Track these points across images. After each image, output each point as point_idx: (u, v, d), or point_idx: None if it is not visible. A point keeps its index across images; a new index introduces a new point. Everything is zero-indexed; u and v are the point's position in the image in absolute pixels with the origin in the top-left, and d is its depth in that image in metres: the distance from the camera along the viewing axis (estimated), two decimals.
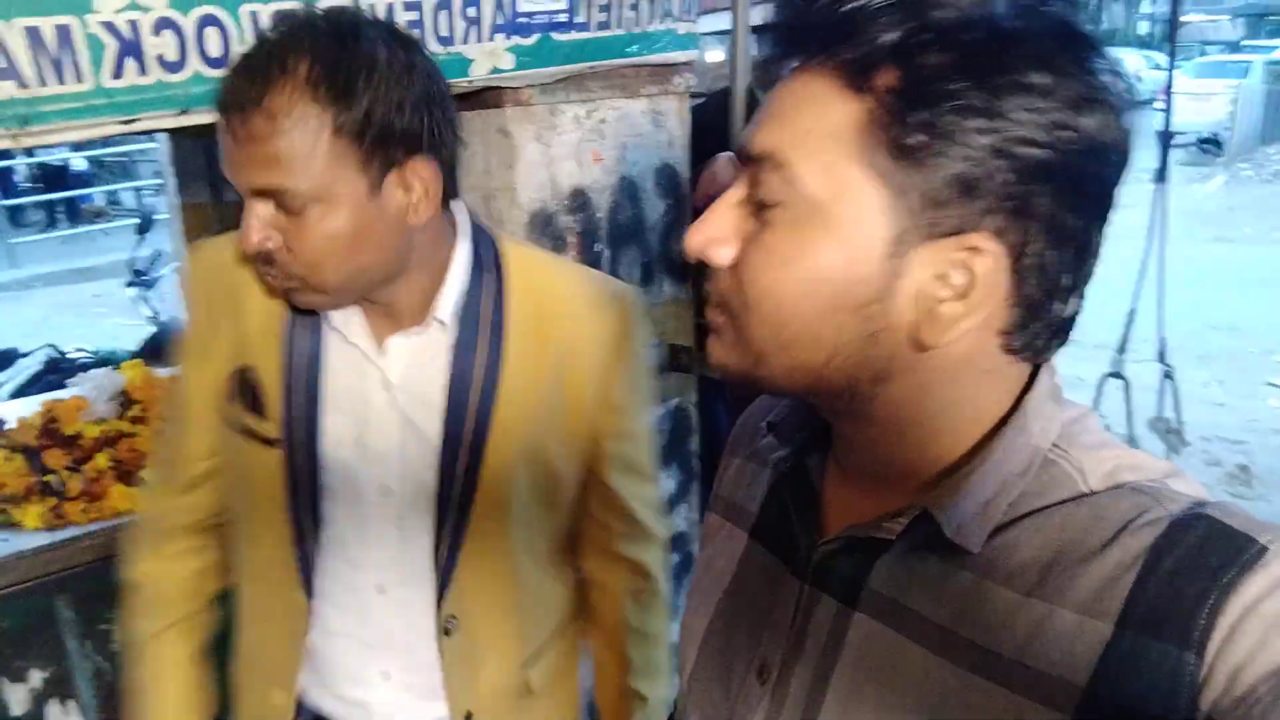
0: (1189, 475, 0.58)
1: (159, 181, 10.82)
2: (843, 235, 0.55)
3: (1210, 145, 13.97)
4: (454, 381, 1.03)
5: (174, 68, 1.17)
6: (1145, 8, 22.92)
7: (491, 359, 1.04)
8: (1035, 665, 0.53)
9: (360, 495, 1.07)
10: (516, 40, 1.45)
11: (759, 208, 0.58)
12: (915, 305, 0.55)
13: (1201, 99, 13.49)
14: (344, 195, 0.90)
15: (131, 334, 4.32)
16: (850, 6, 0.53)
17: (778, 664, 0.65)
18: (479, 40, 1.40)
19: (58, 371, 3.18)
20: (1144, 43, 23.53)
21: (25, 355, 3.40)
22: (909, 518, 0.59)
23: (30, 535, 1.71)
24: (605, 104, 1.65)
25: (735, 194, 0.60)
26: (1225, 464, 4.59)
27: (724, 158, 1.86)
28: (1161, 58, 18.77)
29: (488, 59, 1.43)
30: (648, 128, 1.73)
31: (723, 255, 0.60)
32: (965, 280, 0.54)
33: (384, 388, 1.05)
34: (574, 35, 1.52)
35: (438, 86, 0.95)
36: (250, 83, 0.87)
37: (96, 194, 12.20)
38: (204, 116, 1.21)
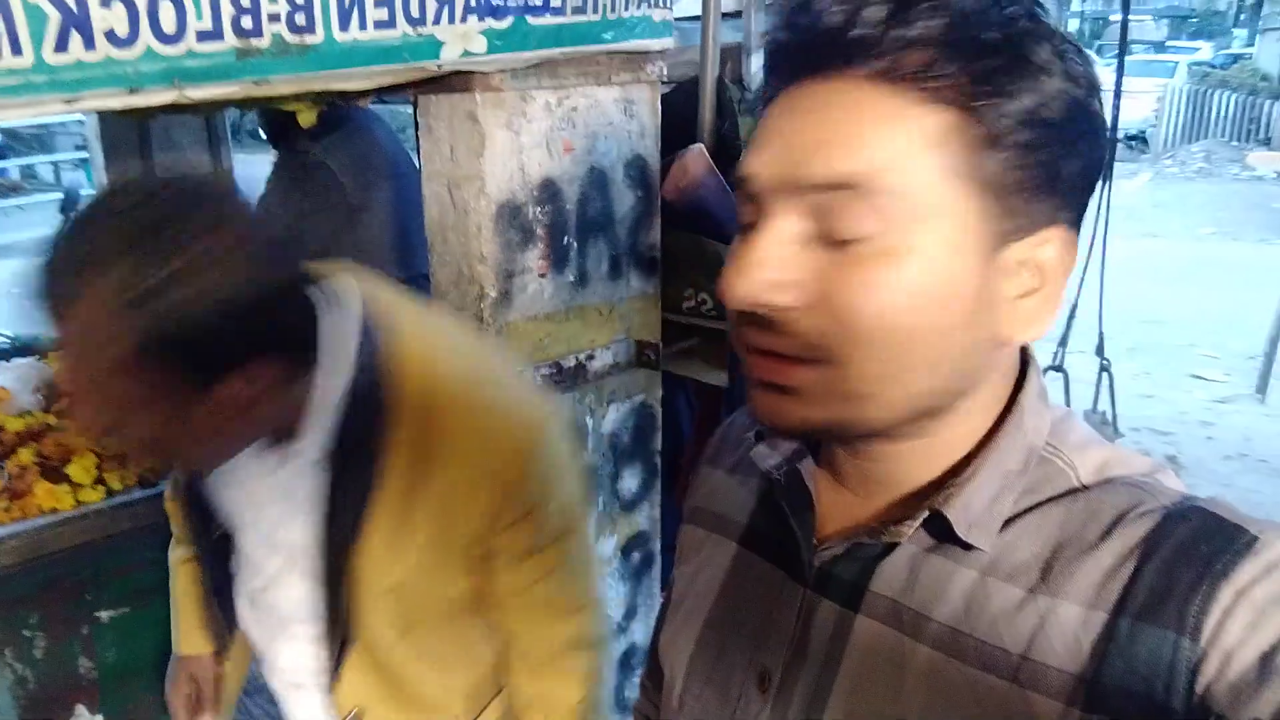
0: (1171, 472, 0.60)
1: (79, 155, 10.39)
2: (948, 251, 0.53)
3: (1137, 142, 14.42)
4: (322, 518, 0.99)
5: (124, 43, 1.07)
6: (1075, 6, 23.52)
7: (359, 498, 0.97)
8: (1042, 659, 0.54)
9: (260, 612, 1.11)
10: (490, 23, 1.38)
11: (829, 237, 0.54)
12: (1006, 305, 0.56)
13: (1128, 96, 13.90)
14: None
15: None
16: (895, 15, 0.52)
17: (779, 671, 0.65)
18: (451, 21, 1.33)
19: None
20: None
21: None
22: (918, 520, 0.59)
23: None
24: (577, 91, 1.59)
25: (787, 227, 0.55)
26: (1154, 454, 4.73)
27: (695, 149, 1.81)
28: (1091, 56, 19.30)
29: (459, 41, 1.35)
30: (619, 117, 1.68)
31: (787, 299, 0.55)
32: (1038, 272, 0.56)
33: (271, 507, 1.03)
34: (549, 19, 1.45)
35: None
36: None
37: (10, 167, 11.66)
38: (155, 96, 1.12)
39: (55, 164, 11.73)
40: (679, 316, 1.94)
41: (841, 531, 0.65)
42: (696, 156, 1.79)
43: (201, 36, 1.13)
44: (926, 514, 0.59)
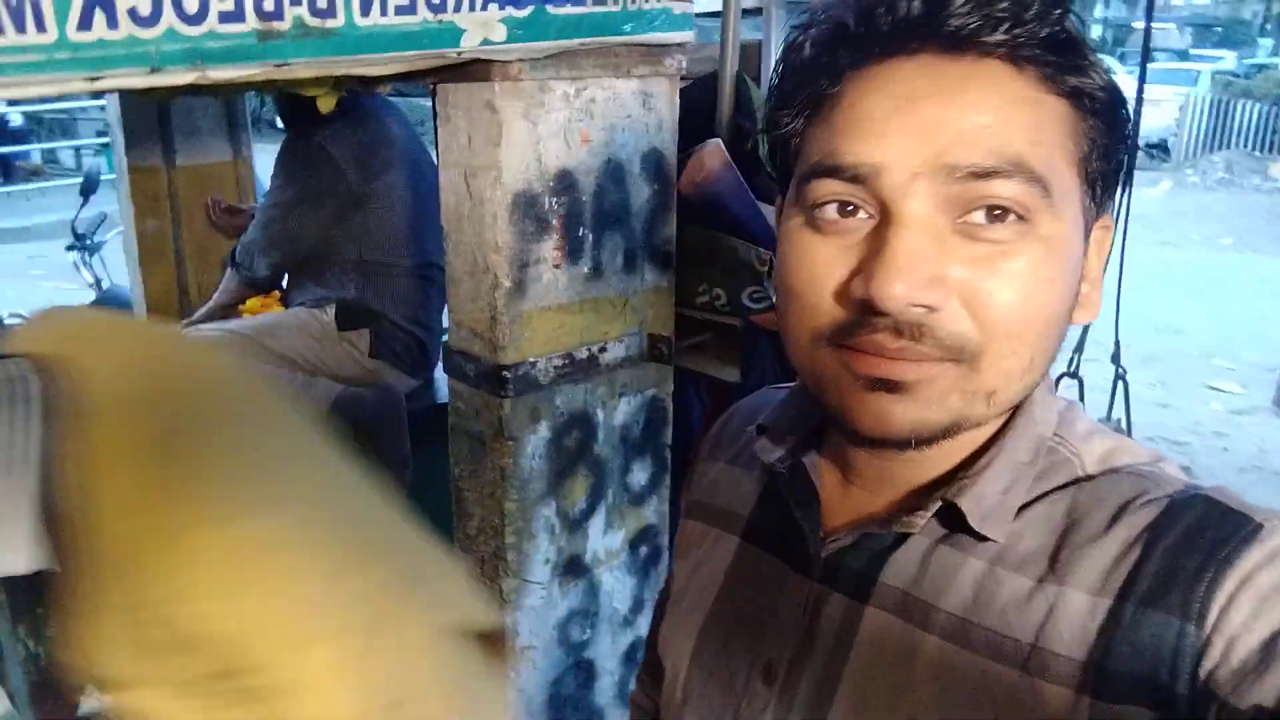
0: (1173, 461, 0.60)
1: (100, 141, 10.46)
2: (1073, 241, 0.54)
3: (1157, 150, 14.31)
4: None
5: (146, 22, 1.08)
6: (1099, 12, 23.39)
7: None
8: (1050, 647, 0.54)
9: None
10: (510, 11, 1.38)
11: (969, 226, 0.52)
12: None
13: (1150, 104, 13.82)
14: None
15: (72, 299, 4.15)
16: None
17: (785, 664, 0.64)
18: (472, 9, 1.33)
19: None
20: (1096, 47, 23.97)
21: None
22: (930, 511, 0.59)
23: None
24: (595, 83, 1.59)
25: (931, 217, 0.52)
26: None
27: (713, 144, 1.81)
28: (1114, 63, 19.19)
29: (480, 29, 1.36)
30: (637, 109, 1.68)
31: (939, 296, 0.52)
32: (1086, 259, 0.58)
33: None
34: (569, 9, 1.45)
35: None
36: None
37: (33, 151, 11.76)
38: (177, 76, 1.13)
39: (76, 149, 11.81)
40: (693, 311, 1.94)
41: (848, 524, 0.65)
42: (714, 152, 1.79)
43: (223, 17, 1.14)
44: (939, 505, 0.59)
